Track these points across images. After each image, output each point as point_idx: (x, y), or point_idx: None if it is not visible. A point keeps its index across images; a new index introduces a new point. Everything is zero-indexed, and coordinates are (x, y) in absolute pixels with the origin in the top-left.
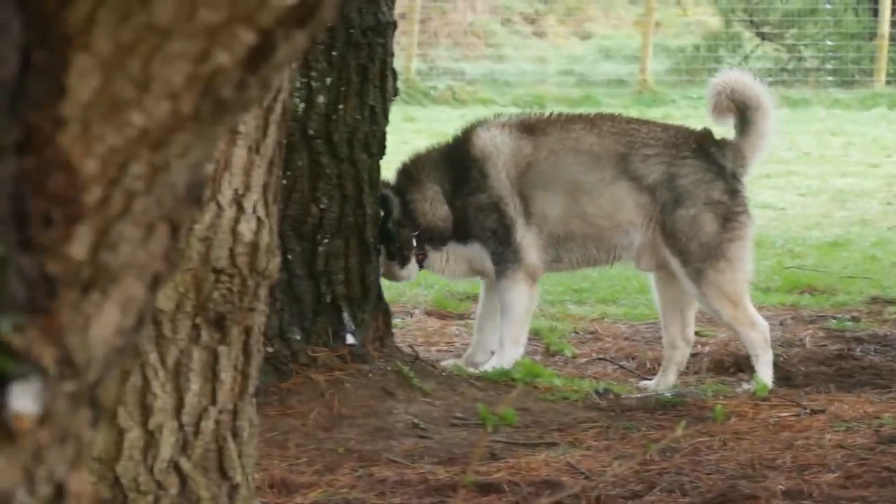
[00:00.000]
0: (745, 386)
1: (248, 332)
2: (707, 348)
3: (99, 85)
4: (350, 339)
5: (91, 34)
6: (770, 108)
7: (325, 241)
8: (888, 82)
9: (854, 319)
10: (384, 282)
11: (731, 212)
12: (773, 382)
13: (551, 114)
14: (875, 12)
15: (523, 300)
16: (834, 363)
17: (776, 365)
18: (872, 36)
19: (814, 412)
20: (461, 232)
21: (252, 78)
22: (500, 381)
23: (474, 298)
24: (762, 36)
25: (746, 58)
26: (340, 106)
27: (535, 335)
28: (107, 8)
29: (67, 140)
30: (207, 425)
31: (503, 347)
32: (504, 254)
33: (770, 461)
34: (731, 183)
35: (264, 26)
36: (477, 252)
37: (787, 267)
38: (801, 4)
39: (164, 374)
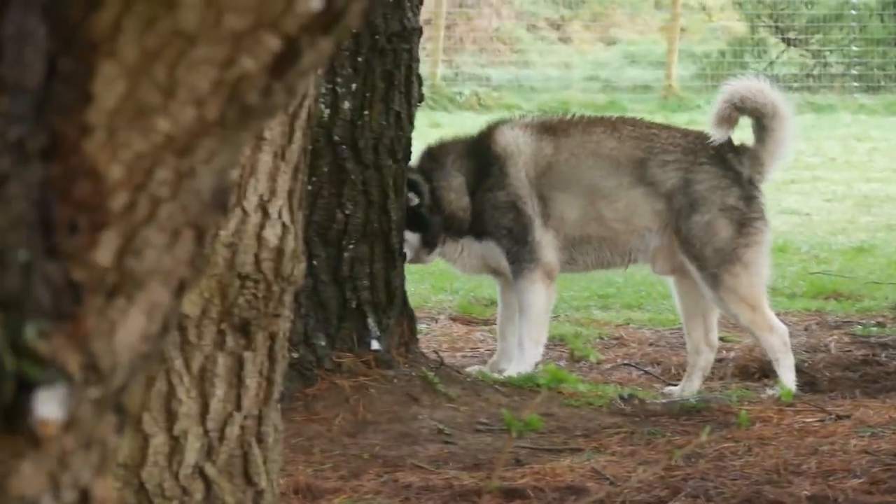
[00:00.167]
0: (770, 391)
1: (273, 337)
2: (732, 354)
3: (125, 91)
4: (375, 345)
5: (117, 41)
6: (787, 114)
7: (351, 246)
8: None
9: (879, 325)
10: (408, 288)
11: (746, 217)
12: (798, 388)
13: (573, 115)
14: None
15: (541, 300)
16: (859, 368)
17: (801, 370)
18: None
19: (839, 417)
20: (477, 227)
21: (277, 84)
22: (525, 387)
23: None
24: (787, 41)
25: (772, 63)
26: (366, 112)
27: (560, 341)
28: (132, 14)
29: (93, 147)
30: (232, 431)
31: (523, 348)
32: (520, 253)
33: (795, 467)
34: (747, 189)
35: (290, 32)
36: (491, 250)
37: (812, 272)
38: (827, 10)
39: (189, 379)
